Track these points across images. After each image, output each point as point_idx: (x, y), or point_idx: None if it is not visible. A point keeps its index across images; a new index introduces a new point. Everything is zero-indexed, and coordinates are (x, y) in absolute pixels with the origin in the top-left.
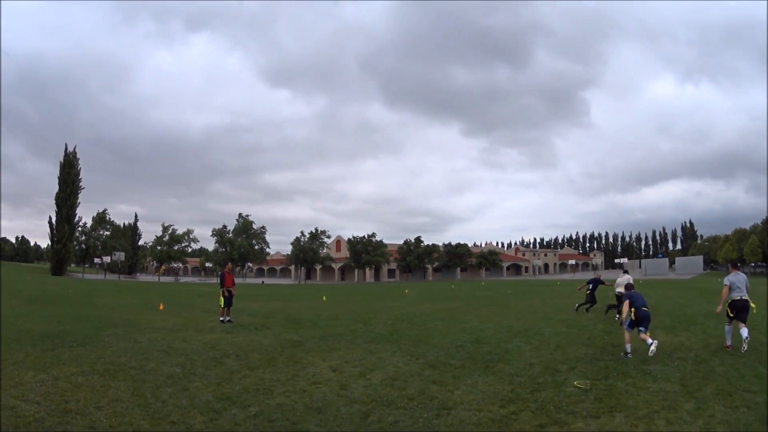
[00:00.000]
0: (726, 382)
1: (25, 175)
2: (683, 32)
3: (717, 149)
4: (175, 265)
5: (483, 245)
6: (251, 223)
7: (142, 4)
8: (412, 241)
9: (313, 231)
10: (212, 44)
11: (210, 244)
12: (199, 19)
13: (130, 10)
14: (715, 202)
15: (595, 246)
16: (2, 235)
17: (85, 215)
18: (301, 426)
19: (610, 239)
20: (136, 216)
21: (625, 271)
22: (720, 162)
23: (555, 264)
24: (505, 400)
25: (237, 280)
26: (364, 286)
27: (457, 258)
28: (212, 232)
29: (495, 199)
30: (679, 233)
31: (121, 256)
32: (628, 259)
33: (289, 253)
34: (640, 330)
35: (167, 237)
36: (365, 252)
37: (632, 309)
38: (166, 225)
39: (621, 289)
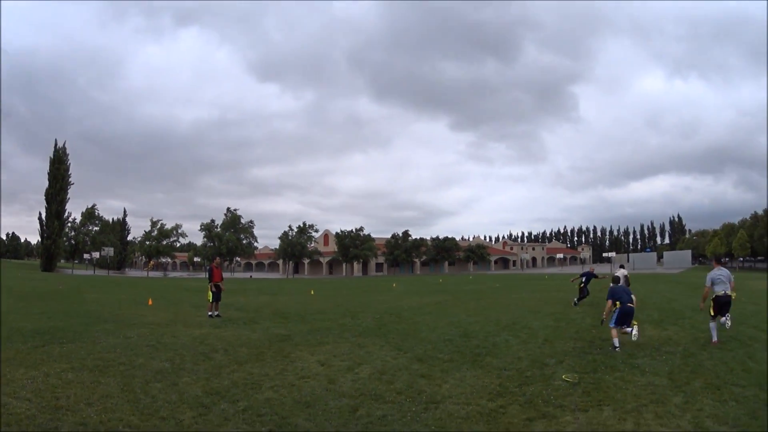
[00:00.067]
0: (714, 376)
1: (15, 172)
2: (673, 28)
3: (706, 144)
4: (164, 260)
5: (471, 239)
6: (239, 217)
7: None
8: (400, 235)
9: (301, 225)
10: (201, 39)
11: (198, 239)
12: (188, 13)
13: (121, 5)
14: (704, 196)
15: (583, 240)
16: (1, 234)
17: (74, 211)
18: (290, 420)
19: (598, 233)
20: (124, 211)
21: (621, 266)
22: (708, 157)
23: (543, 258)
24: (494, 393)
25: (225, 275)
26: (352, 280)
27: (445, 252)
28: (200, 226)
29: (483, 193)
30: (667, 227)
31: (110, 251)
32: (616, 253)
33: (277, 247)
34: (623, 327)
35: (156, 232)
36: (353, 246)
37: (617, 304)
38: (154, 220)
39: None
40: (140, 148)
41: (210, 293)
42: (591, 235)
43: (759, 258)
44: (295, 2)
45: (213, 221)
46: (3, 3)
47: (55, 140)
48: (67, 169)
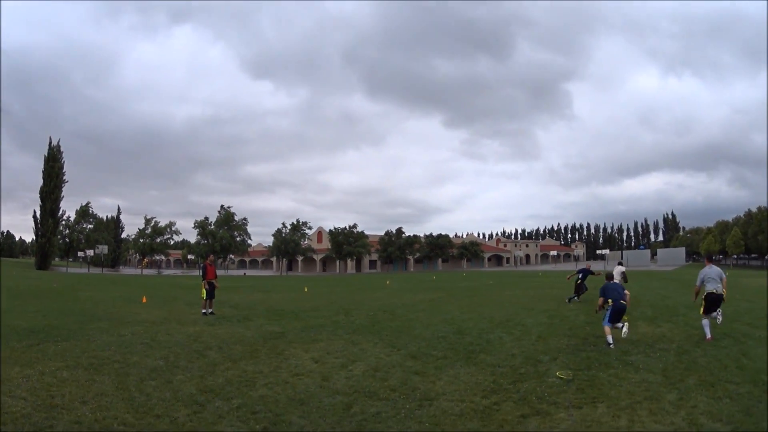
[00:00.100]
0: (708, 373)
1: (9, 170)
2: (667, 25)
3: (699, 142)
4: (158, 258)
5: (464, 236)
6: (233, 214)
7: None
8: (394, 232)
9: (295, 222)
10: (195, 36)
11: (192, 236)
12: (182, 11)
13: (115, 2)
14: (698, 194)
15: (577, 237)
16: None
17: (68, 209)
18: (284, 417)
19: (592, 230)
20: (118, 209)
21: (620, 263)
22: (702, 154)
23: (536, 255)
24: (487, 390)
25: (219, 272)
26: (346, 277)
27: (439, 249)
28: (194, 224)
29: (476, 190)
30: (661, 225)
31: (104, 249)
32: (610, 250)
33: (271, 244)
34: (616, 325)
35: (150, 229)
36: (346, 243)
37: (608, 301)
38: (148, 217)
39: (618, 281)
40: (134, 145)
41: (204, 291)
42: (585, 233)
43: (753, 255)
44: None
45: (207, 218)
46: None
47: (50, 138)
48: (62, 167)
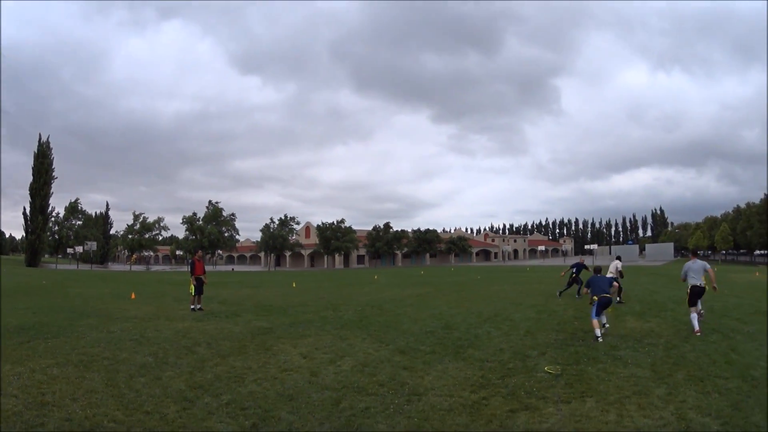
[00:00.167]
0: (697, 367)
1: None
2: (656, 22)
3: (688, 138)
4: (146, 254)
5: (452, 231)
6: (221, 210)
7: None
8: (381, 227)
9: (283, 217)
10: (184, 32)
11: (180, 232)
12: (171, 6)
13: None
14: (686, 189)
15: (565, 232)
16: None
17: (57, 205)
18: (273, 413)
19: (580, 225)
20: (107, 205)
21: (618, 258)
22: (691, 150)
23: (525, 250)
24: (476, 385)
25: (207, 268)
26: (334, 272)
27: (427, 244)
28: (182, 219)
29: (464, 185)
30: (649, 220)
31: (93, 245)
32: (598, 245)
33: (259, 240)
34: (599, 318)
35: (138, 225)
36: (334, 238)
37: (593, 297)
38: (137, 213)
39: (612, 274)
40: (123, 141)
41: (192, 286)
42: (573, 228)
43: (741, 251)
44: None
45: (195, 214)
46: None
47: (39, 134)
48: (51, 164)
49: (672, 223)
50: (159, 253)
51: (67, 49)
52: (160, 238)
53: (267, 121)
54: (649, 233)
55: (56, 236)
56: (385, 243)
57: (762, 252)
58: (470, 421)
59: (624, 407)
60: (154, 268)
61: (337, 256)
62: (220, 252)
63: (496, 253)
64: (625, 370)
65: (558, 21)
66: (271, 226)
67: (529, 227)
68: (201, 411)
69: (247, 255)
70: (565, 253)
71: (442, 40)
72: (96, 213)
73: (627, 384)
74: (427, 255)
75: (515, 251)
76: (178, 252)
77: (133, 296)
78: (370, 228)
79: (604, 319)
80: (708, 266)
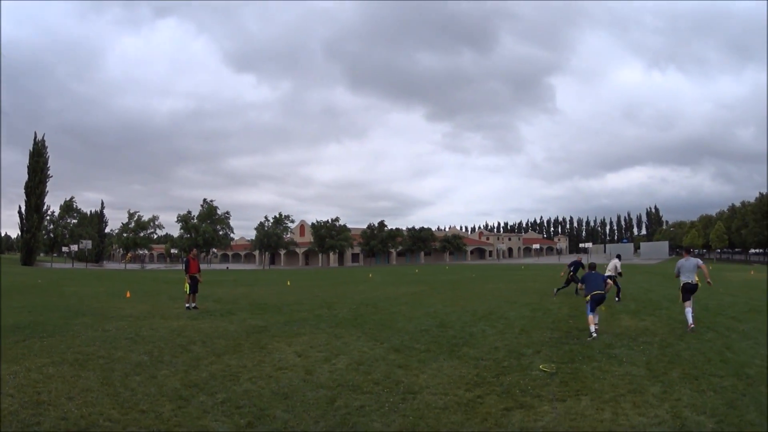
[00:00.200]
0: (692, 366)
1: None
2: (651, 20)
3: (683, 136)
4: (141, 252)
5: (447, 229)
6: (215, 208)
7: None
8: (376, 225)
9: (277, 216)
10: (179, 29)
11: (175, 231)
12: (166, 4)
13: None
14: (681, 188)
15: (560, 231)
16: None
17: (53, 204)
18: (268, 412)
19: (575, 224)
20: (102, 203)
21: (618, 256)
22: (686, 149)
23: (519, 248)
24: (471, 383)
25: (202, 266)
26: (328, 270)
27: (421, 242)
28: (177, 218)
29: (459, 183)
30: (644, 219)
31: (88, 244)
32: (593, 244)
33: (254, 238)
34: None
35: (133, 224)
36: (329, 236)
37: (587, 294)
38: (131, 212)
39: (611, 273)
40: (118, 139)
41: (187, 285)
42: (567, 226)
43: (736, 250)
44: None
45: (189, 212)
46: None
47: (35, 133)
48: (46, 162)
49: (667, 222)
50: (154, 252)
51: (62, 48)
52: (155, 236)
53: (261, 119)
54: (643, 232)
55: (51, 235)
56: (379, 241)
57: (757, 251)
58: (465, 420)
59: (619, 405)
60: (149, 266)
61: (331, 254)
62: (214, 250)
63: (490, 252)
64: (620, 369)
65: (553, 19)
66: (266, 224)
67: (524, 225)
68: (196, 409)
69: (242, 253)
70: (559, 252)
71: (437, 38)
72: (91, 211)
73: (622, 382)
74: (422, 253)
75: (510, 249)
76: (172, 250)
77: (128, 295)
78: (364, 226)
79: (596, 319)
80: (701, 262)
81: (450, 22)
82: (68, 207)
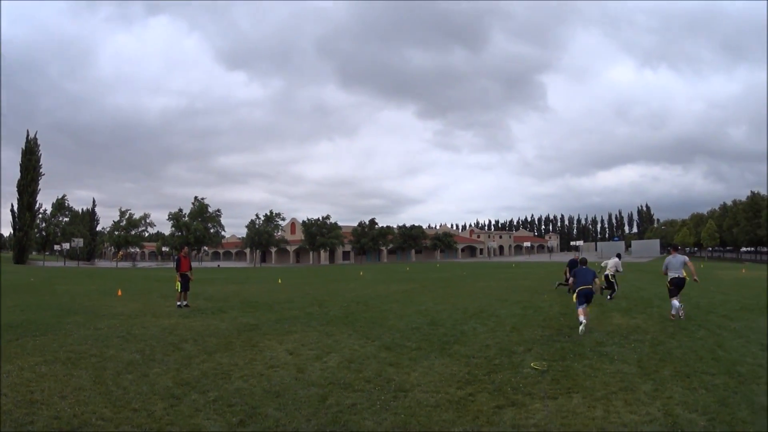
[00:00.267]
0: (684, 364)
1: None
2: (644, 19)
3: (675, 135)
4: (133, 250)
5: (438, 227)
6: (207, 206)
7: None
8: (367, 223)
9: (268, 213)
10: (171, 27)
11: (166, 229)
12: (158, 2)
13: None
14: (673, 186)
15: (551, 228)
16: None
17: (44, 202)
18: (260, 410)
19: (566, 222)
20: (93, 201)
21: (618, 255)
22: (678, 147)
23: (510, 246)
24: (462, 381)
25: (193, 264)
26: (319, 268)
27: (412, 240)
28: (168, 216)
29: (450, 181)
30: (635, 217)
31: (79, 242)
32: (584, 242)
33: (244, 236)
34: (583, 306)
35: (124, 222)
36: (320, 234)
37: (575, 291)
38: (123, 210)
39: (611, 271)
40: (109, 137)
41: (178, 283)
42: (558, 224)
43: (728, 248)
44: None
45: (181, 210)
46: None
47: (27, 131)
48: (38, 160)
49: (658, 220)
50: (145, 250)
51: (55, 46)
52: (146, 234)
53: (252, 117)
54: (635, 230)
55: (44, 233)
56: (370, 239)
57: (748, 249)
58: (457, 417)
59: (611, 403)
60: (140, 264)
61: (322, 252)
62: (205, 248)
63: (481, 249)
64: (612, 366)
65: (545, 17)
66: (257, 222)
67: (515, 223)
68: (188, 408)
69: (233, 251)
70: (550, 250)
71: (428, 36)
72: (83, 209)
73: (613, 380)
74: (413, 251)
75: (501, 247)
76: (164, 248)
77: (119, 293)
78: (355, 224)
79: (586, 310)
80: (687, 260)
81: (442, 20)
82: (60, 205)
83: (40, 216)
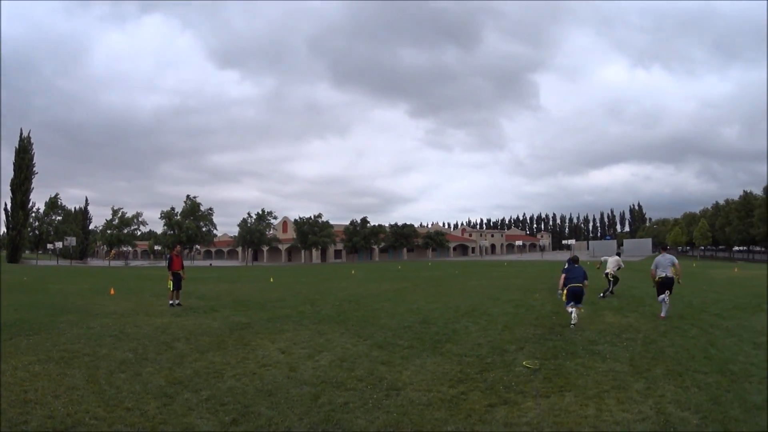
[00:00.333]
0: (676, 362)
1: None
2: (637, 19)
3: (667, 134)
4: (125, 249)
5: (429, 226)
6: (199, 204)
7: None
8: (359, 221)
9: (260, 212)
10: (164, 26)
11: (159, 227)
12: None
13: None
14: (665, 185)
15: (543, 227)
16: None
17: (37, 200)
18: (253, 409)
19: (558, 221)
20: (86, 200)
21: (618, 253)
22: (670, 147)
23: (502, 245)
24: (454, 380)
25: (185, 263)
26: (311, 267)
27: (404, 238)
28: (161, 214)
29: (442, 179)
30: (627, 216)
31: (72, 241)
32: (576, 240)
33: (236, 234)
34: (572, 304)
35: (117, 221)
36: (312, 233)
37: (564, 288)
38: (115, 208)
39: (612, 270)
40: (102, 136)
41: (170, 282)
42: (550, 223)
43: (720, 247)
44: None
45: (173, 209)
46: None
47: (21, 130)
48: (32, 159)
49: (650, 219)
50: (138, 249)
51: (48, 44)
52: (139, 233)
53: (245, 115)
54: (627, 228)
55: (37, 232)
56: (362, 238)
57: (740, 248)
58: (449, 416)
59: (603, 401)
60: (133, 263)
61: (314, 250)
62: (197, 247)
63: (473, 248)
64: (604, 365)
65: (537, 17)
66: (249, 220)
67: (507, 222)
68: (181, 407)
69: (225, 250)
70: (542, 248)
71: (421, 34)
72: (75, 208)
73: (606, 378)
74: (405, 250)
75: (492, 246)
76: (156, 247)
77: (112, 292)
78: (347, 223)
79: (574, 315)
80: (675, 260)
81: (434, 18)
82: (53, 204)
83: (34, 215)
